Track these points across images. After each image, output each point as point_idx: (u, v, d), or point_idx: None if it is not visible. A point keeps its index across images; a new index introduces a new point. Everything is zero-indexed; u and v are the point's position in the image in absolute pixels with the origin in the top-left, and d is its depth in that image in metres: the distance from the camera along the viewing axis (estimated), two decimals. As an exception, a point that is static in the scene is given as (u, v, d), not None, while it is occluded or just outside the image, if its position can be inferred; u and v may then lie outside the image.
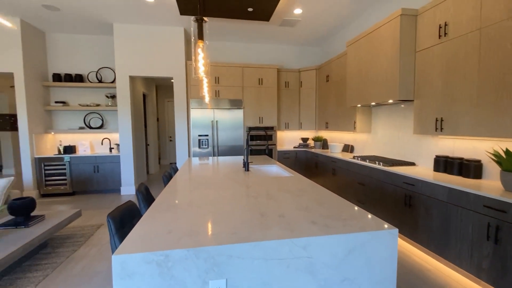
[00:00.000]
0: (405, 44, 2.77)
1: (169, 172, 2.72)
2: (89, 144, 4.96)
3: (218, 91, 4.91)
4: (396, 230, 1.14)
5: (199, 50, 1.49)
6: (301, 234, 1.08)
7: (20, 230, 2.39)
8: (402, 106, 3.31)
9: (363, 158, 3.50)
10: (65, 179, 4.66)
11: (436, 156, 2.68)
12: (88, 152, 4.92)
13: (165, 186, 2.25)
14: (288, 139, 5.87)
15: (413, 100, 2.88)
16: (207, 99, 3.23)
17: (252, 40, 5.38)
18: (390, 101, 3.02)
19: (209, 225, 1.19)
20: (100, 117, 5.14)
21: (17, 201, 2.46)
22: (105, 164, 4.76)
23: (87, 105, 4.88)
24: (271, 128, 5.18)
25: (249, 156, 3.78)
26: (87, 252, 2.58)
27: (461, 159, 2.46)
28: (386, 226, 1.16)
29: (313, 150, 5.10)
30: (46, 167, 4.59)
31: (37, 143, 4.58)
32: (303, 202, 1.54)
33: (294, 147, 5.48)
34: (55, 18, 4.25)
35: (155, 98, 7.31)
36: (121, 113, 4.69)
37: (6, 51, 4.23)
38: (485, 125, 2.06)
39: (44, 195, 4.70)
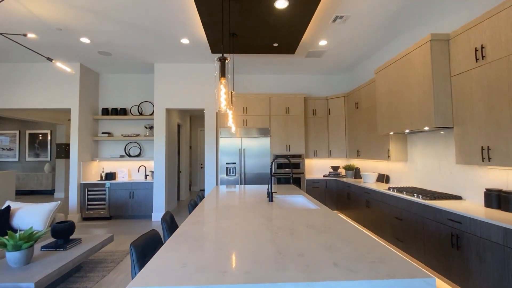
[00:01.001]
0: (438, 69, 2.63)
1: (194, 200, 2.77)
2: (127, 171, 5.34)
3: (246, 120, 5.06)
4: (434, 279, 0.98)
5: (221, 86, 1.58)
6: (320, 277, 0.99)
7: (59, 253, 2.56)
8: (442, 133, 3.05)
9: (400, 189, 3.21)
10: (104, 204, 5.01)
11: (487, 189, 2.36)
12: (126, 179, 5.28)
13: (189, 214, 2.28)
14: (317, 167, 5.69)
15: (453, 127, 2.65)
16: (233, 128, 3.34)
17: (279, 72, 5.58)
18: (426, 128, 2.81)
19: (223, 261, 1.15)
20: (139, 146, 5.57)
21: (59, 224, 2.68)
22: (139, 190, 5.04)
23: (128, 135, 5.35)
24: (299, 156, 5.09)
25: (275, 185, 3.72)
26: (114, 278, 2.65)
27: (519, 193, 2.12)
28: (421, 273, 1.01)
29: (344, 179, 4.85)
30: (89, 192, 5.00)
31: (84, 169, 5.07)
32: (327, 239, 1.43)
33: (324, 176, 5.27)
34: (107, 62, 4.91)
35: (188, 128, 7.77)
36: (156, 143, 5.04)
37: (67, 91, 4.94)
38: (543, 155, 1.78)
39: (85, 219, 5.06)
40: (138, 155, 5.51)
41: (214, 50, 3.97)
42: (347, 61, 4.97)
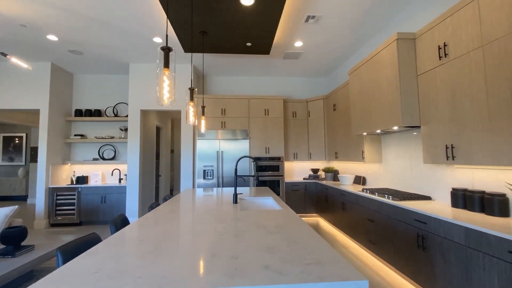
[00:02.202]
0: (405, 68, 2.62)
1: (157, 203, 2.63)
2: (101, 175, 5.12)
3: (224, 122, 4.96)
4: (366, 281, 0.90)
5: (164, 78, 1.48)
6: (242, 282, 0.89)
7: (6, 260, 2.36)
8: (415, 133, 3.03)
9: (372, 191, 3.16)
10: (73, 209, 4.76)
11: (453, 189, 2.32)
12: (99, 183, 5.06)
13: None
14: (297, 170, 5.62)
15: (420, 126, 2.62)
16: (203, 129, 3.22)
17: (258, 74, 5.52)
18: (395, 128, 2.78)
19: (143, 265, 1.03)
20: (113, 149, 5.37)
21: (9, 230, 2.48)
22: (112, 194, 4.83)
23: (102, 138, 5.15)
24: (278, 159, 5.01)
25: (252, 188, 3.61)
26: None
27: (483, 192, 2.09)
28: (354, 275, 0.93)
29: (323, 182, 4.78)
30: (58, 197, 4.75)
31: (54, 173, 4.83)
32: (272, 241, 1.33)
33: (304, 179, 5.20)
34: (80, 61, 4.74)
35: (170, 131, 7.60)
36: (130, 145, 4.85)
37: (35, 91, 4.72)
38: (505, 152, 1.75)
39: (53, 225, 4.80)
40: (113, 158, 5.31)
41: (186, 49, 3.88)
42: (325, 63, 4.97)
